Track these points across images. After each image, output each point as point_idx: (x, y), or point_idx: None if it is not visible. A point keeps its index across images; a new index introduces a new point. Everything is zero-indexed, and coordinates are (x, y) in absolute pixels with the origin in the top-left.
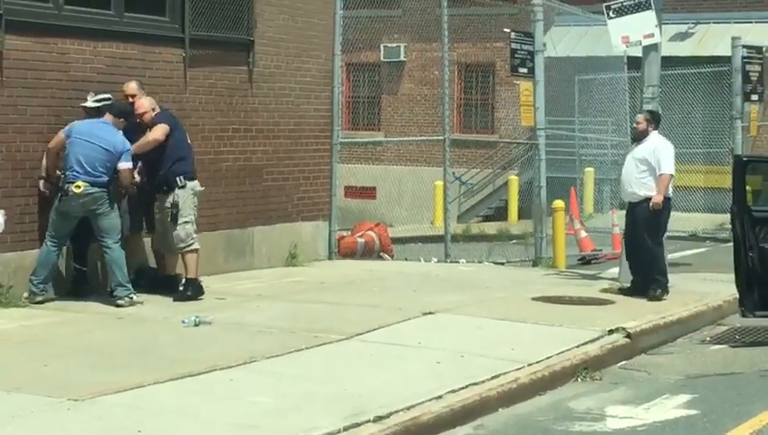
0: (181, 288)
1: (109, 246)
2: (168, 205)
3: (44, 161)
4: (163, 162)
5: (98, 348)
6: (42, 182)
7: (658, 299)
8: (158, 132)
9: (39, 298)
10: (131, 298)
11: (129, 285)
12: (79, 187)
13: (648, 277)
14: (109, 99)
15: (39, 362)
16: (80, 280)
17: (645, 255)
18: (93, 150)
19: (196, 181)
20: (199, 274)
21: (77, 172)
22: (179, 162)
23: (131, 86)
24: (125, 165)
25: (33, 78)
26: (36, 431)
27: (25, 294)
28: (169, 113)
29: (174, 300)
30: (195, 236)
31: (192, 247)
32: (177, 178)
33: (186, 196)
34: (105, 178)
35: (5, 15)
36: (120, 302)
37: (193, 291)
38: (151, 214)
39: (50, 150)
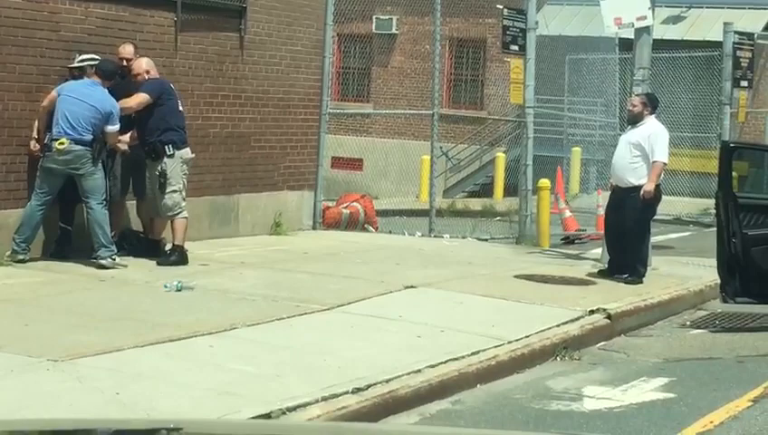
0: (167, 253)
1: (92, 207)
2: (156, 173)
3: (37, 122)
4: (153, 130)
5: (79, 309)
6: (32, 142)
7: (633, 284)
8: (133, 101)
9: (21, 257)
10: (114, 259)
11: (113, 246)
12: (63, 143)
13: (625, 263)
14: (95, 59)
15: (20, 322)
16: (64, 239)
17: (629, 240)
18: (80, 107)
19: (187, 149)
20: (186, 241)
21: (62, 129)
22: (169, 131)
23: (128, 49)
24: (112, 128)
25: (23, 36)
26: (15, 391)
27: (8, 253)
28: (160, 81)
29: (157, 264)
30: (183, 204)
31: (180, 216)
32: (166, 147)
33: (174, 164)
34: (89, 137)
35: None
36: (102, 262)
37: (178, 257)
38: (138, 180)
39: (42, 109)
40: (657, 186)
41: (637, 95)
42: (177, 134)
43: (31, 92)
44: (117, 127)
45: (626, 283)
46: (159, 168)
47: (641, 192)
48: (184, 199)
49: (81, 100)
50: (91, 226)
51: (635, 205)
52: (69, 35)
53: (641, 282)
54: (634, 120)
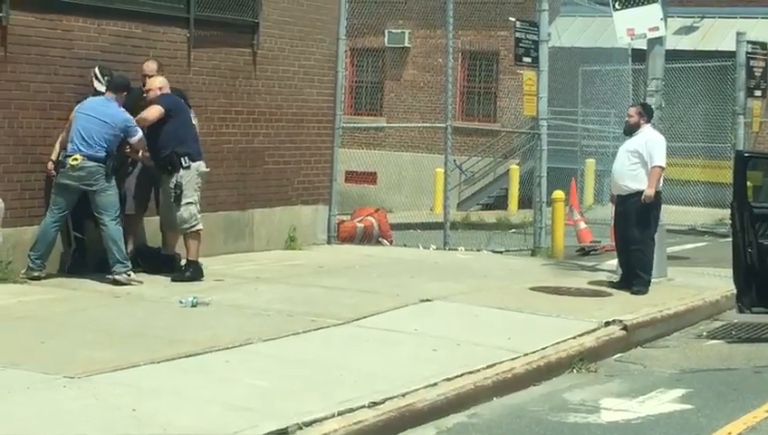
0: (182, 269)
1: (105, 223)
2: (171, 185)
3: (57, 145)
4: (166, 143)
5: (94, 326)
6: (50, 164)
7: (640, 295)
8: (149, 113)
9: (36, 273)
10: (129, 275)
11: (128, 262)
12: (76, 159)
13: (631, 272)
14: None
15: (36, 339)
16: (79, 250)
17: (632, 248)
18: (91, 123)
19: (201, 162)
20: (200, 256)
21: (76, 146)
22: (184, 143)
23: (150, 66)
24: (135, 138)
25: (36, 54)
26: (32, 408)
27: (23, 270)
28: (173, 96)
29: (172, 280)
30: (199, 217)
31: (195, 228)
32: (182, 159)
33: (189, 177)
34: (102, 154)
35: None
36: (118, 277)
37: (193, 272)
38: (157, 194)
39: (66, 129)
40: (658, 192)
41: (632, 106)
42: (192, 146)
43: (45, 110)
44: (140, 135)
45: (632, 293)
46: (175, 180)
47: (642, 197)
48: (199, 212)
49: (94, 116)
50: (105, 242)
51: (636, 208)
52: (82, 53)
53: (647, 292)
54: (631, 130)
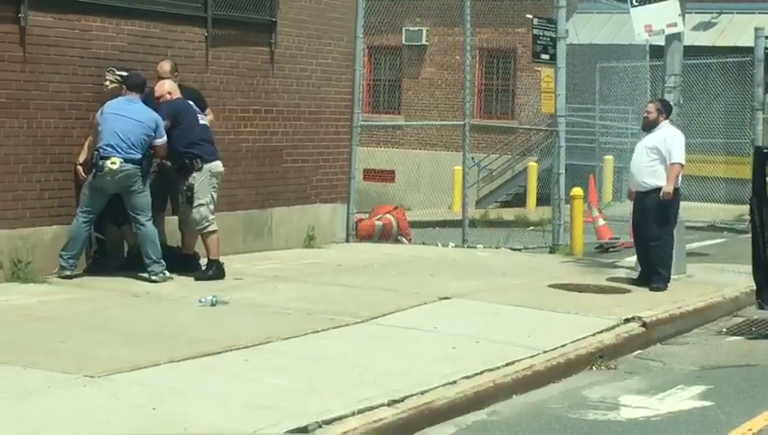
0: (204, 268)
1: (143, 223)
2: (184, 187)
3: (86, 147)
4: (175, 148)
5: (115, 325)
6: (80, 168)
7: (659, 291)
8: None
9: (67, 272)
10: (165, 274)
11: (163, 262)
12: (114, 163)
13: (650, 268)
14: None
15: (56, 338)
16: (100, 250)
17: (651, 244)
18: (128, 124)
19: (217, 162)
20: (220, 254)
21: (112, 147)
22: (195, 145)
23: (164, 67)
24: (161, 141)
25: (55, 54)
26: (52, 408)
27: (56, 269)
28: (176, 102)
29: (195, 279)
30: (212, 217)
31: (209, 229)
32: (194, 161)
33: (201, 178)
34: (139, 156)
35: None
36: (154, 278)
37: (215, 271)
38: (174, 194)
39: (94, 132)
40: (676, 189)
41: (650, 102)
42: (203, 147)
43: (63, 110)
44: (165, 139)
45: (651, 289)
46: (187, 181)
47: (660, 193)
48: (213, 213)
49: (128, 117)
50: (141, 242)
51: (654, 205)
52: (100, 52)
53: (666, 288)
54: (649, 126)
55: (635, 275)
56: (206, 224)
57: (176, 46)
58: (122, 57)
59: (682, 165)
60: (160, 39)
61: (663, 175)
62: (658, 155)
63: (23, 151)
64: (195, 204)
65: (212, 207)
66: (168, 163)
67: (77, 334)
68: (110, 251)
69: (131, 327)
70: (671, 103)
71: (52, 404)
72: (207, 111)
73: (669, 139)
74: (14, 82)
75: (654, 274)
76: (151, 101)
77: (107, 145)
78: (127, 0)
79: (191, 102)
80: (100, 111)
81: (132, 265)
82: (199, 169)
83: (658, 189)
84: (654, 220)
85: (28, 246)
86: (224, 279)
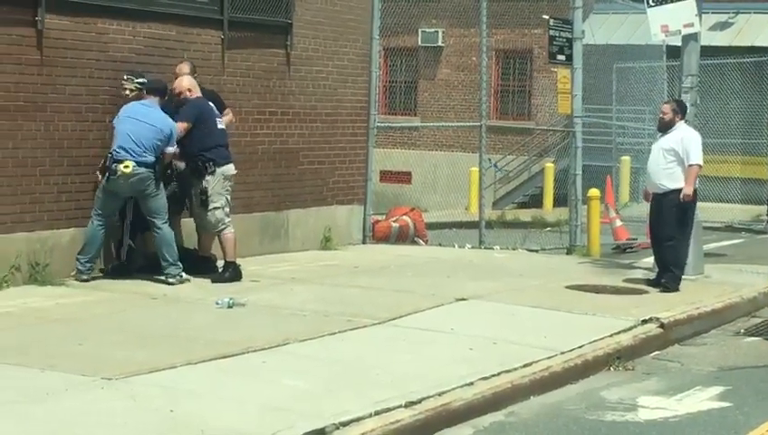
0: (221, 270)
1: (159, 226)
2: (198, 190)
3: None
4: (193, 150)
5: (132, 328)
6: (98, 174)
7: (669, 291)
8: (179, 129)
9: (85, 276)
10: (181, 276)
11: (180, 264)
12: (127, 166)
13: (665, 268)
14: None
15: (73, 341)
16: (129, 256)
17: (667, 245)
18: (141, 128)
19: (230, 165)
20: (236, 256)
21: (125, 151)
22: (210, 150)
23: (183, 69)
24: (171, 149)
25: (72, 57)
26: (70, 410)
27: (73, 272)
28: (200, 103)
29: (212, 281)
30: (227, 220)
31: (224, 231)
32: (207, 165)
33: (215, 182)
34: (152, 159)
35: None
36: (171, 280)
37: (231, 273)
38: (189, 197)
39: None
40: (694, 190)
41: (665, 103)
42: (218, 152)
43: (80, 113)
44: (175, 148)
45: (661, 288)
46: (202, 185)
47: (681, 196)
48: (228, 215)
49: (142, 120)
50: (158, 245)
51: (672, 208)
52: (117, 55)
53: (677, 288)
54: (665, 127)
55: (652, 276)
56: (222, 226)
57: (192, 49)
58: (139, 60)
59: (700, 166)
60: (177, 42)
61: (681, 177)
62: (676, 157)
63: (40, 154)
64: (210, 207)
65: (227, 209)
66: (182, 165)
67: (94, 337)
68: (131, 255)
69: (148, 329)
70: (687, 103)
71: (69, 406)
72: (227, 110)
73: (686, 140)
74: (32, 85)
75: (666, 272)
76: (170, 106)
77: (119, 148)
78: (143, 2)
79: (211, 104)
80: (117, 116)
81: (150, 268)
82: (212, 173)
83: (676, 191)
84: (671, 221)
85: (46, 249)
86: (241, 280)
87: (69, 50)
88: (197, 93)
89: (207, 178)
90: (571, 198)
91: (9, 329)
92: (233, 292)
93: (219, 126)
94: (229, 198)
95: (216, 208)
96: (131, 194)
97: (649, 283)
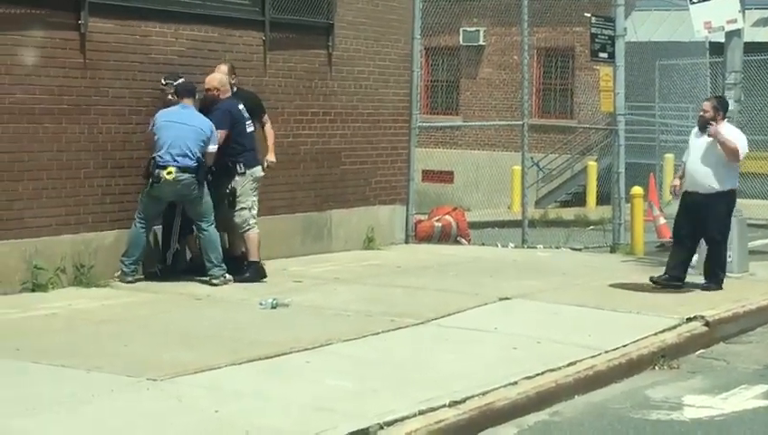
0: (242, 269)
1: (205, 229)
2: (227, 190)
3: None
4: (223, 151)
5: (176, 328)
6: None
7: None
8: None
9: (129, 278)
10: (225, 277)
11: (224, 266)
12: (171, 173)
13: (709, 270)
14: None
15: (119, 342)
16: (175, 259)
17: (712, 248)
18: (184, 131)
19: (258, 167)
20: (260, 256)
21: (168, 156)
22: (241, 153)
23: (221, 69)
24: (213, 148)
25: (115, 60)
26: (116, 411)
27: (117, 274)
28: (228, 108)
29: (234, 281)
30: (253, 221)
31: (249, 231)
32: (237, 166)
33: (244, 182)
34: (194, 163)
35: None
36: (214, 281)
37: (252, 273)
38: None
39: (148, 141)
40: (733, 190)
41: (706, 100)
42: (248, 154)
43: (124, 115)
44: (216, 147)
45: (702, 289)
46: (230, 186)
47: (707, 132)
48: (254, 217)
49: (183, 123)
50: (203, 247)
51: (718, 210)
52: (160, 58)
53: (721, 288)
54: (706, 125)
55: (695, 273)
56: (247, 227)
57: (234, 50)
58: (181, 62)
59: (745, 152)
60: (218, 43)
61: (725, 178)
62: (720, 157)
63: (84, 157)
64: (237, 207)
65: (254, 211)
66: (212, 166)
67: (139, 338)
68: (176, 257)
69: (193, 330)
70: (732, 100)
71: (116, 407)
72: (266, 117)
73: (730, 135)
74: (75, 89)
75: (711, 275)
76: (204, 106)
77: (163, 154)
78: (185, 5)
79: (241, 106)
80: (152, 122)
81: (194, 269)
82: (242, 174)
83: (722, 193)
84: (715, 223)
85: (90, 251)
86: (264, 279)
87: (112, 53)
88: (226, 93)
89: (237, 178)
90: (614, 196)
91: (55, 331)
92: (276, 292)
93: (248, 129)
94: (256, 199)
95: (243, 209)
96: (176, 199)
97: (653, 281)
